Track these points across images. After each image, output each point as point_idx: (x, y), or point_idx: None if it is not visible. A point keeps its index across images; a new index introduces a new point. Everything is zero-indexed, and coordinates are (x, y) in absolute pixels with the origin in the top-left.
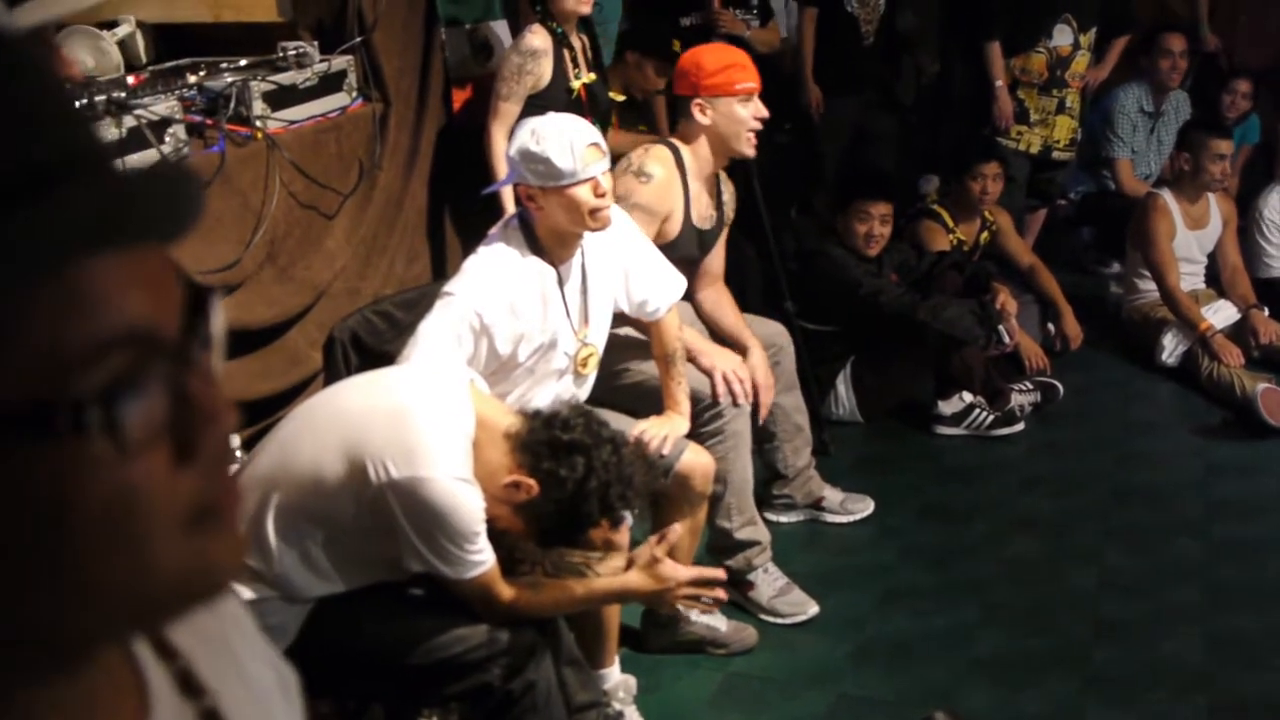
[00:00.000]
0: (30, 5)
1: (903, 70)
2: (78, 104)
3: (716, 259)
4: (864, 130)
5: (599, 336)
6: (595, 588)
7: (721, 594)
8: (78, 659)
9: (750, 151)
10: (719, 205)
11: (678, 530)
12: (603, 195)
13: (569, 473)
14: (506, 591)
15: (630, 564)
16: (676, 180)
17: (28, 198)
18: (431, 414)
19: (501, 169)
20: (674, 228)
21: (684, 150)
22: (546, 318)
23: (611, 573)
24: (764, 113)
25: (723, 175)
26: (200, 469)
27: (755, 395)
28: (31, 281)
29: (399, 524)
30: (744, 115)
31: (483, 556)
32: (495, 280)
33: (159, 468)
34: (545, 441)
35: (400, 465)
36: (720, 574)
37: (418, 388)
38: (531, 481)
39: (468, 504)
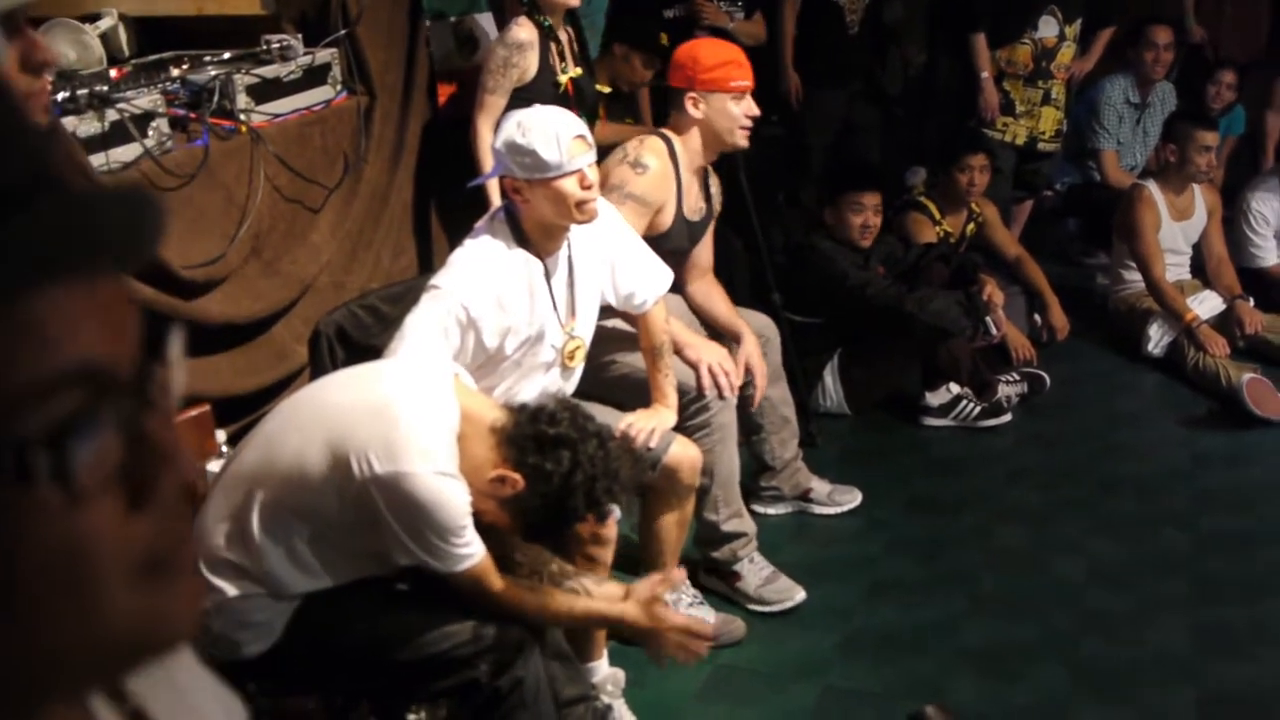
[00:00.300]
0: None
1: (888, 61)
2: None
3: (705, 251)
4: (850, 122)
5: (586, 329)
6: (589, 608)
7: (705, 649)
8: (26, 714)
9: (743, 143)
10: (708, 197)
11: (678, 578)
12: (589, 188)
13: (554, 467)
14: (498, 583)
15: (628, 595)
16: (671, 172)
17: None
18: (415, 408)
19: (487, 162)
20: (666, 220)
21: (676, 142)
22: (533, 311)
23: (607, 597)
24: (756, 111)
25: (709, 167)
26: (154, 515)
27: (750, 381)
28: None
29: (384, 519)
30: (736, 112)
31: (471, 549)
32: (482, 273)
33: (110, 515)
34: (531, 436)
35: (383, 460)
36: (710, 629)
37: (402, 382)
38: (517, 476)
39: (452, 499)
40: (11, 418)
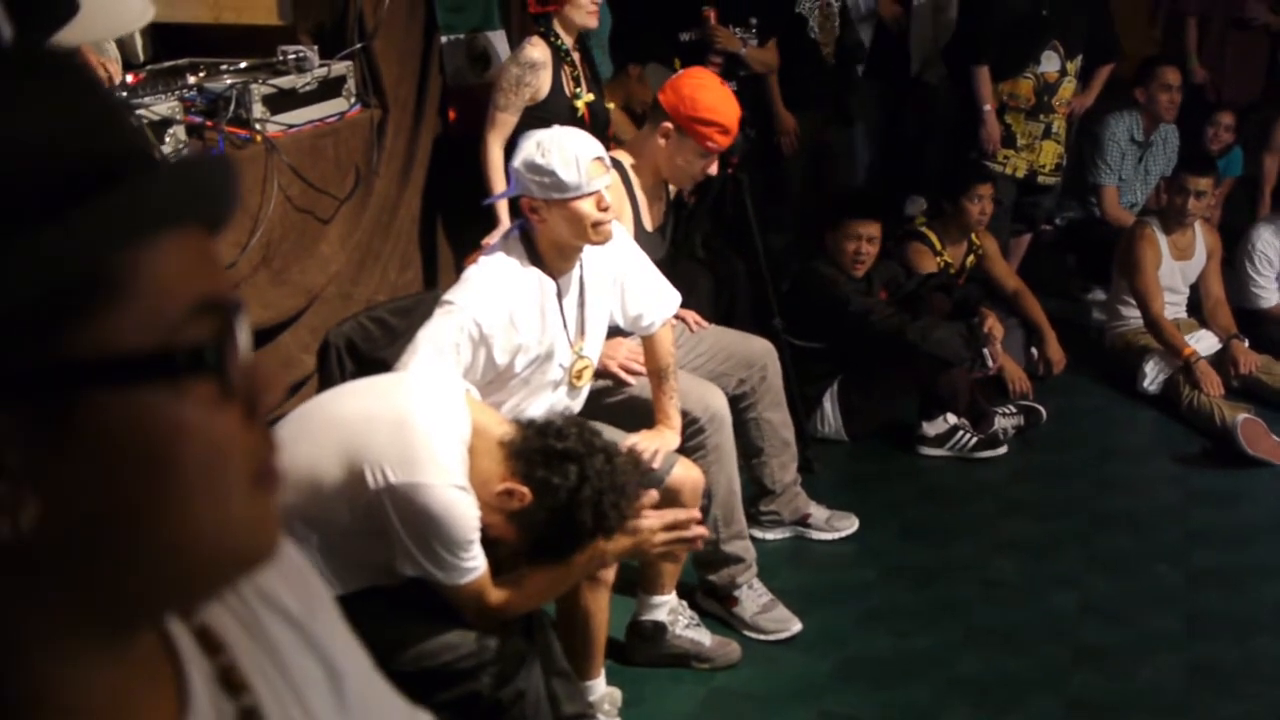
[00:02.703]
0: (60, 33)
1: (856, 85)
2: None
3: None
4: (822, 146)
5: (594, 349)
6: (568, 570)
7: (702, 530)
8: (138, 628)
9: (686, 188)
10: (667, 201)
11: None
12: (606, 209)
13: (562, 480)
14: (496, 595)
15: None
16: (623, 193)
17: (129, 176)
18: (431, 421)
19: (496, 179)
20: None
21: (628, 168)
22: (544, 330)
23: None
24: (713, 171)
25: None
26: (259, 430)
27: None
28: (135, 245)
29: (394, 529)
30: (698, 165)
31: (476, 563)
32: (496, 291)
33: (238, 421)
34: (539, 449)
35: (398, 471)
36: (695, 514)
37: (417, 395)
38: (525, 489)
39: (464, 513)
40: (175, 332)
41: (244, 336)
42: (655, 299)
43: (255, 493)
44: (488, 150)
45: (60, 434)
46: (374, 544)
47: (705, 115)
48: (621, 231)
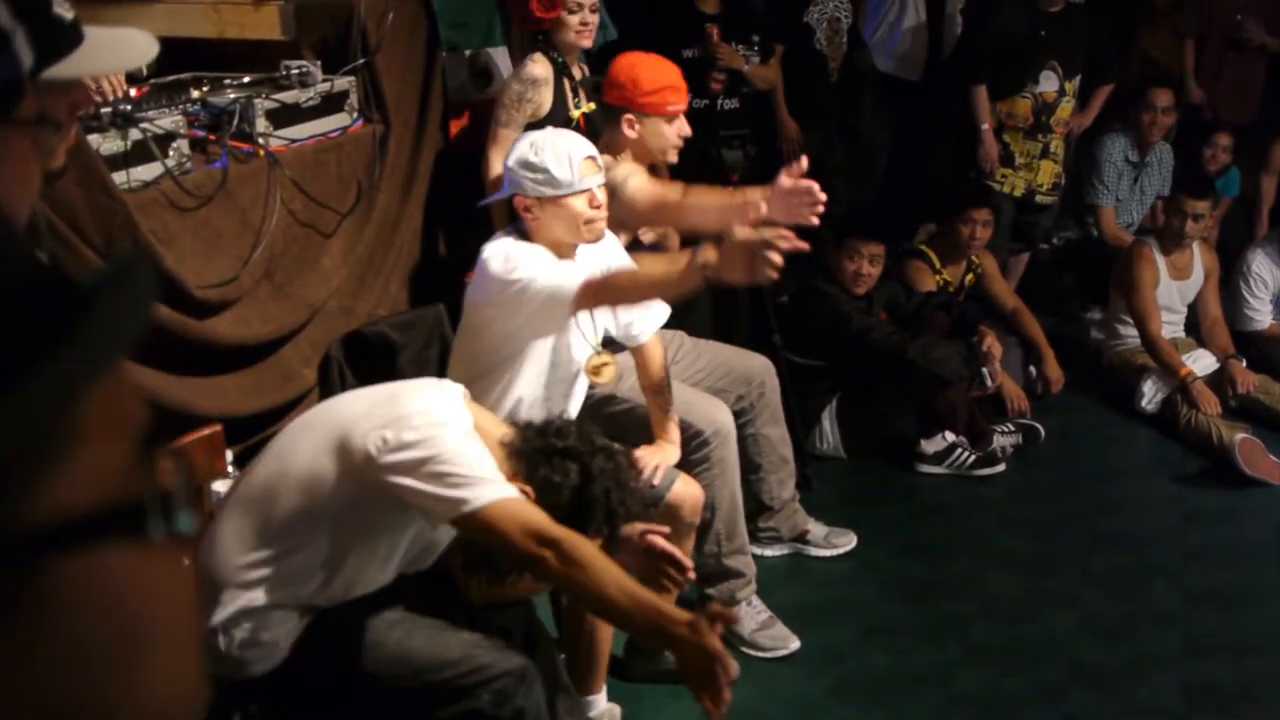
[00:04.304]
0: (62, 64)
1: (863, 104)
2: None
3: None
4: (823, 162)
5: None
6: (649, 597)
7: (726, 694)
8: None
9: (673, 160)
10: None
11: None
12: (598, 208)
13: (564, 478)
14: (555, 530)
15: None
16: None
17: (59, 332)
18: (425, 398)
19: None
20: None
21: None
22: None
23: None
24: (688, 131)
25: None
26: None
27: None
28: (79, 399)
29: (402, 486)
30: (670, 134)
31: (497, 479)
32: (539, 256)
33: (188, 564)
34: (540, 449)
35: (390, 428)
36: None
37: (415, 387)
38: (528, 489)
39: (456, 424)
40: (129, 484)
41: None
42: (644, 309)
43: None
44: (489, 165)
45: (13, 608)
46: (385, 521)
47: (653, 85)
48: (612, 239)
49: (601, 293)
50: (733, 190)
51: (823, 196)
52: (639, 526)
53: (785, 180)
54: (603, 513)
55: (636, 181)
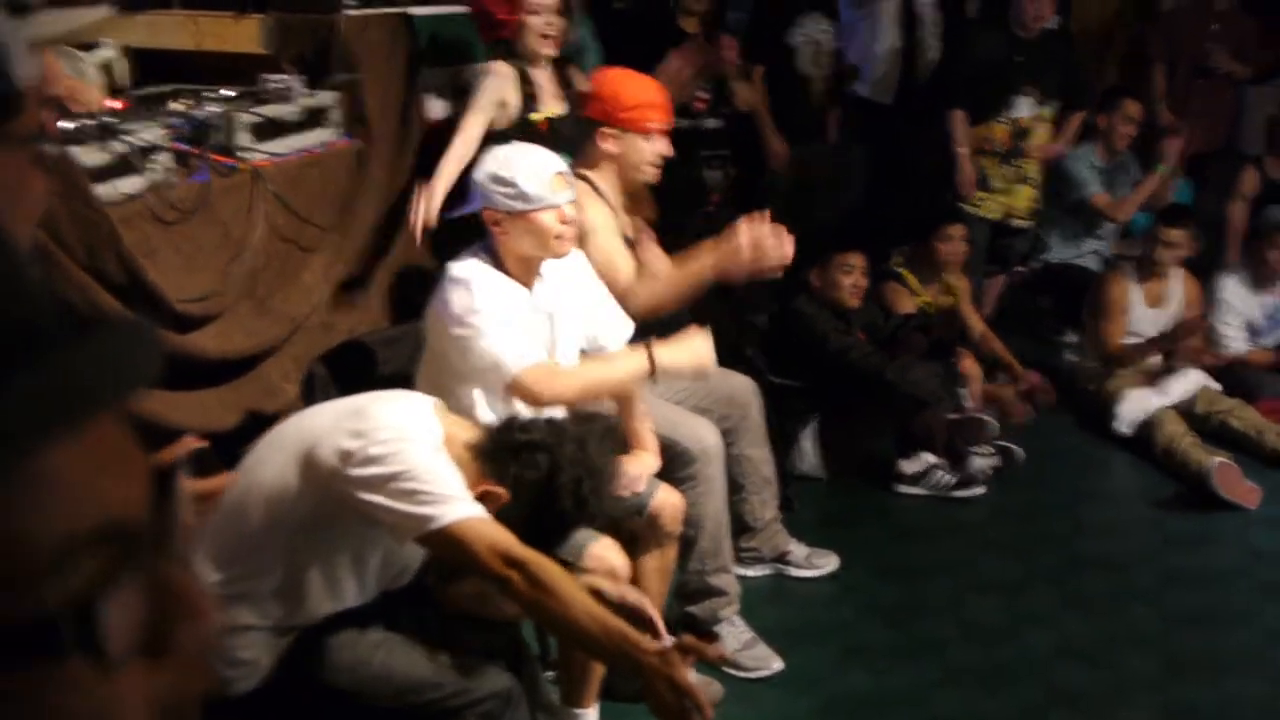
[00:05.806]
0: (25, 22)
1: (845, 122)
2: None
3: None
4: (803, 178)
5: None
6: (616, 624)
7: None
8: None
9: (652, 178)
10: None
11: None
12: (567, 223)
13: (535, 473)
14: (522, 551)
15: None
16: (604, 209)
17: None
18: (390, 408)
19: (448, 165)
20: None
21: (596, 181)
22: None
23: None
24: (668, 151)
25: None
26: (176, 666)
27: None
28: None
29: (365, 501)
30: (649, 151)
31: (464, 497)
32: (495, 287)
33: (137, 676)
34: (507, 446)
35: (352, 438)
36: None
37: (382, 398)
38: (500, 490)
39: (424, 439)
40: (34, 589)
41: (181, 536)
42: (611, 322)
43: None
44: (453, 141)
45: None
46: (350, 536)
47: (633, 101)
48: (579, 255)
49: (555, 377)
50: (711, 243)
51: (788, 236)
52: (629, 596)
53: (743, 236)
54: (570, 499)
55: (621, 264)
